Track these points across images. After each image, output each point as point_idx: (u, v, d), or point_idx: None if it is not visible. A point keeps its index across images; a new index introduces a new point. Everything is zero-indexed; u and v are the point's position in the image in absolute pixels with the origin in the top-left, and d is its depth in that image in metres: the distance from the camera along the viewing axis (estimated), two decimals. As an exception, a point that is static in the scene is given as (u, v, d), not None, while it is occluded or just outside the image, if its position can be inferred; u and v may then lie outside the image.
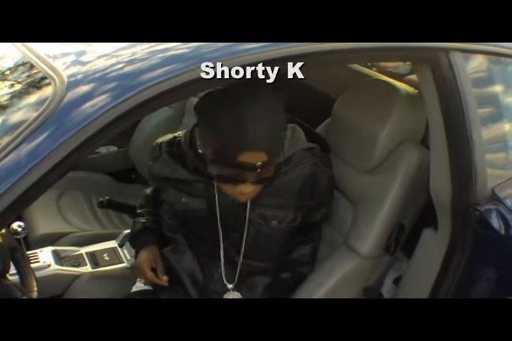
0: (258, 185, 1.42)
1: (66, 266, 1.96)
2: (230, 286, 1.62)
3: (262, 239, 1.57)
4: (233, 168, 1.34)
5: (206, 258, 1.63)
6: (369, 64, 2.36)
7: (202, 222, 1.57)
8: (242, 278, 1.63)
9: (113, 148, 2.93)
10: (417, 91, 1.66)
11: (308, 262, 1.70)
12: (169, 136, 1.61)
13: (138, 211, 1.80)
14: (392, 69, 2.44)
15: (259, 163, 1.32)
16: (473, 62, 1.41)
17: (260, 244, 1.58)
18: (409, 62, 2.21)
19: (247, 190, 1.41)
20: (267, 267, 1.64)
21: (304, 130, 1.58)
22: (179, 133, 1.59)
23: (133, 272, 1.73)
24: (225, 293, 1.62)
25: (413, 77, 2.12)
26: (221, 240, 1.58)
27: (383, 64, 2.43)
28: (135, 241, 1.74)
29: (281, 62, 1.12)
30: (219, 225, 1.55)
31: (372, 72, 2.26)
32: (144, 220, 1.74)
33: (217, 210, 1.54)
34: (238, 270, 1.61)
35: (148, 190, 1.77)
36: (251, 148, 1.30)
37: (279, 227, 1.55)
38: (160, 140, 1.62)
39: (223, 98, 1.31)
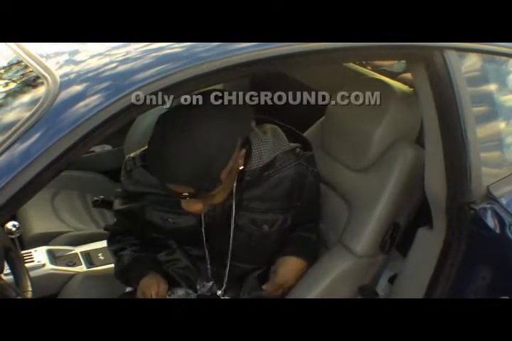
0: (205, 203, 1.36)
1: (61, 265, 1.96)
2: (219, 293, 1.61)
3: (253, 243, 1.56)
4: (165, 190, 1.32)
5: (198, 262, 1.62)
6: (364, 62, 2.36)
7: (191, 233, 1.55)
8: (232, 279, 1.62)
9: (107, 147, 2.91)
10: (411, 89, 1.66)
11: None
12: (140, 150, 1.53)
13: (113, 238, 1.70)
14: (387, 67, 2.44)
15: (186, 193, 1.28)
16: (467, 60, 1.41)
17: (252, 247, 1.57)
18: (403, 61, 2.21)
19: (187, 208, 1.36)
20: (258, 267, 1.64)
21: (284, 130, 1.55)
22: None
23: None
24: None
25: (407, 75, 2.12)
26: (206, 248, 1.57)
27: (378, 62, 2.43)
28: (128, 273, 1.63)
29: (275, 61, 1.12)
30: (203, 234, 1.54)
31: (367, 71, 2.26)
32: (129, 252, 1.65)
33: (203, 220, 1.52)
34: (226, 275, 1.60)
35: (121, 207, 1.63)
36: (173, 182, 1.27)
37: (271, 231, 1.55)
38: (132, 154, 1.54)
39: (157, 127, 1.28)
